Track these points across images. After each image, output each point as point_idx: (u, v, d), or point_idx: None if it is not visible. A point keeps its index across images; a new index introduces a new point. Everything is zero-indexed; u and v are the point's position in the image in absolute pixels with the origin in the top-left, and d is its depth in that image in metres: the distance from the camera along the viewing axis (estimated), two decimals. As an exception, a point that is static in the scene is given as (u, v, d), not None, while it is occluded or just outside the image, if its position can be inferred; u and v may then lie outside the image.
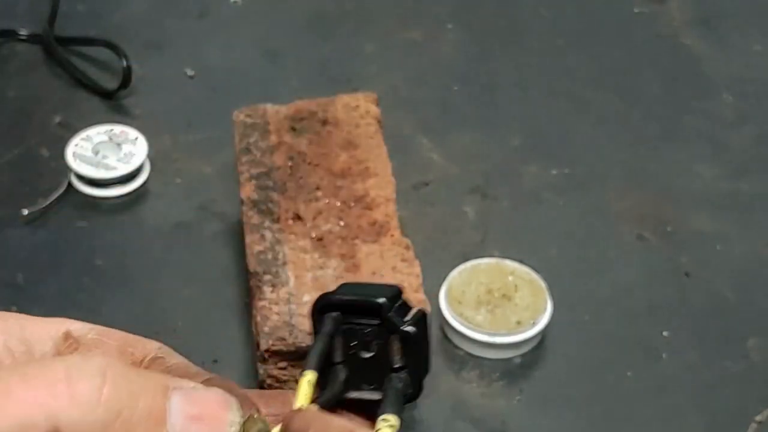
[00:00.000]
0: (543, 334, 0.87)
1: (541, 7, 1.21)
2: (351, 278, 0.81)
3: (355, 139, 0.91)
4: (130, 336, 0.37)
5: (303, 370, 0.35)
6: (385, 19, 1.19)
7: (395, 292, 0.37)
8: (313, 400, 0.34)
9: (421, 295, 0.79)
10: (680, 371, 0.86)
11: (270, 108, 0.93)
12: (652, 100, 1.10)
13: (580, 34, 1.18)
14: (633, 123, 1.08)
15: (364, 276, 0.80)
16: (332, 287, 0.79)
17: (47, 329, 0.36)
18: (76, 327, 0.37)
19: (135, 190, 0.99)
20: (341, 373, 0.36)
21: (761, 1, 1.24)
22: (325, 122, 0.92)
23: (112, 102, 1.07)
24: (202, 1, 1.21)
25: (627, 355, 0.87)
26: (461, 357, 0.86)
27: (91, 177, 0.97)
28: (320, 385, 0.35)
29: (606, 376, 0.86)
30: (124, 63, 1.06)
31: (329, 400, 0.35)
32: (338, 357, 0.36)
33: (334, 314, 0.37)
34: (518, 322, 0.85)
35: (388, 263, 0.81)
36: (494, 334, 0.84)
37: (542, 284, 0.87)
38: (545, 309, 0.86)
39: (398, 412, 0.34)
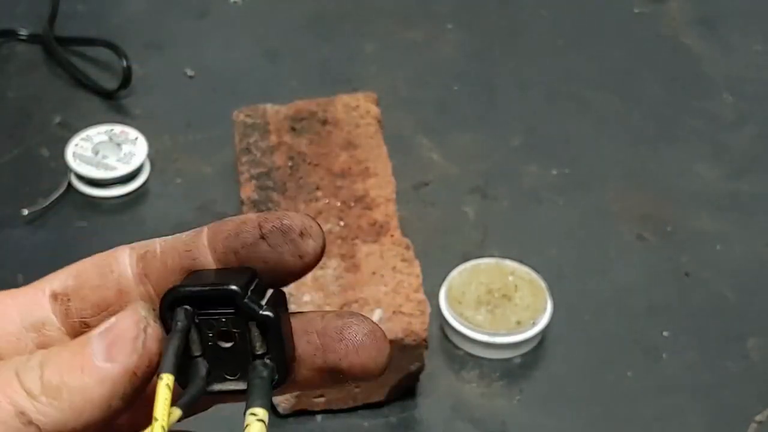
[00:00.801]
0: (543, 334, 0.87)
1: (541, 7, 1.21)
2: (351, 278, 0.81)
3: (355, 139, 0.91)
4: (100, 256, 0.37)
5: (158, 374, 0.32)
6: (385, 19, 1.19)
7: (249, 276, 0.34)
8: (174, 402, 0.32)
9: (421, 295, 0.79)
10: (680, 371, 0.86)
11: (270, 108, 0.93)
12: (652, 100, 1.10)
13: (580, 34, 1.18)
14: (633, 123, 1.08)
15: (364, 276, 0.80)
16: (332, 287, 0.79)
17: (34, 300, 0.37)
18: (55, 283, 0.37)
19: (135, 190, 0.99)
20: (201, 367, 0.34)
21: (761, 1, 1.24)
22: (325, 122, 0.92)
23: (112, 102, 1.08)
24: (202, 1, 1.21)
25: (627, 355, 0.87)
26: (461, 357, 0.86)
27: (91, 177, 0.97)
28: (181, 384, 0.33)
29: (606, 376, 0.86)
30: (124, 63, 1.06)
31: (193, 398, 0.33)
32: (196, 350, 0.34)
33: (186, 307, 0.34)
34: (518, 322, 0.85)
35: (388, 263, 0.81)
36: (494, 334, 0.84)
37: (542, 284, 0.87)
38: (545, 309, 0.86)
39: (265, 404, 0.32)
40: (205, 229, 0.35)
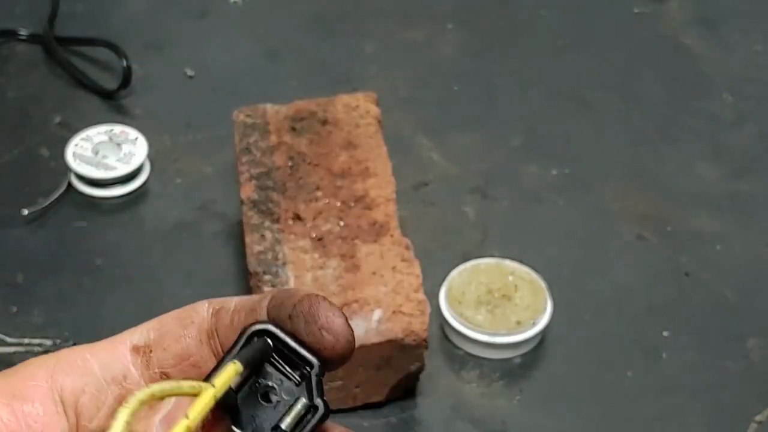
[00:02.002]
0: (543, 334, 0.87)
1: (541, 7, 1.21)
2: (351, 278, 0.80)
3: (355, 139, 0.91)
4: (181, 310, 0.38)
5: (233, 357, 0.34)
6: (385, 19, 1.19)
7: (322, 366, 0.35)
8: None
9: (421, 295, 0.79)
10: (680, 371, 0.86)
11: (270, 108, 0.93)
12: (652, 100, 1.10)
13: (580, 34, 1.18)
14: (633, 123, 1.08)
15: (364, 276, 0.80)
16: (332, 287, 0.79)
17: (114, 354, 0.38)
18: (135, 337, 0.38)
19: (135, 190, 0.99)
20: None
21: (761, 1, 1.24)
22: (325, 122, 0.92)
23: (112, 102, 1.08)
24: (202, 1, 1.21)
25: (627, 355, 0.87)
26: (461, 357, 0.86)
27: (91, 177, 0.97)
28: (216, 413, 0.34)
29: (606, 376, 0.86)
30: (124, 63, 1.06)
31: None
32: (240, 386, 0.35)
33: (269, 340, 0.35)
34: (518, 322, 0.85)
35: (388, 263, 0.81)
36: (494, 334, 0.84)
37: (542, 284, 0.87)
38: (545, 309, 0.86)
39: None
40: (273, 292, 0.37)
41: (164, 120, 1.06)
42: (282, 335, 0.35)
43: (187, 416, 0.31)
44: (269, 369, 0.35)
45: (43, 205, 0.96)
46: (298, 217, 0.85)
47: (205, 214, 0.97)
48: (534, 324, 0.85)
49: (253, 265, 0.81)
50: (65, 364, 0.37)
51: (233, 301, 0.38)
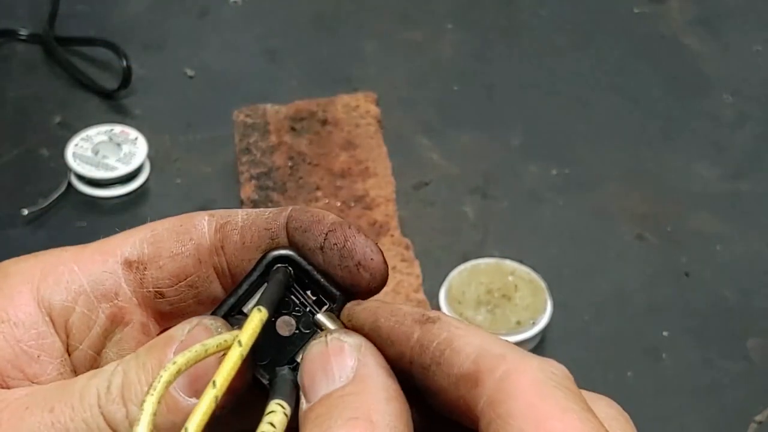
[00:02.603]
0: (543, 334, 0.87)
1: (541, 7, 1.21)
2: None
3: (355, 139, 0.91)
4: (177, 221, 0.35)
5: (257, 305, 0.31)
6: (385, 19, 1.19)
7: (346, 299, 0.33)
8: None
9: (421, 295, 0.79)
10: (680, 371, 0.86)
11: (270, 108, 0.93)
12: (652, 100, 1.10)
13: (580, 34, 1.18)
14: (633, 123, 1.08)
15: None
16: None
17: (105, 267, 0.35)
18: (128, 249, 0.35)
19: (135, 190, 0.99)
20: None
21: (761, 1, 1.24)
22: (325, 122, 0.92)
23: (112, 102, 1.08)
24: (202, 1, 1.21)
25: (627, 355, 0.87)
26: (461, 357, 0.86)
27: (91, 177, 0.97)
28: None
29: (606, 376, 0.86)
30: (124, 63, 1.06)
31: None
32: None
33: (289, 268, 0.33)
34: (518, 322, 0.85)
35: (388, 263, 0.81)
36: (494, 334, 0.84)
37: (542, 284, 0.87)
38: (545, 309, 0.86)
39: (290, 403, 0.31)
40: (289, 209, 0.34)
41: (164, 120, 1.06)
42: (307, 266, 0.33)
43: (214, 384, 0.29)
44: (287, 297, 0.33)
45: (43, 205, 0.96)
46: (298, 217, 0.85)
47: (205, 214, 0.97)
48: (534, 324, 0.85)
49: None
50: (51, 279, 0.35)
51: (239, 215, 0.35)
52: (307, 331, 0.33)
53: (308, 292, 0.33)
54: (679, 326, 0.89)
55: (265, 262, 0.33)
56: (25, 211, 0.95)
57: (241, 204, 0.87)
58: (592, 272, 0.93)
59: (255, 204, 0.86)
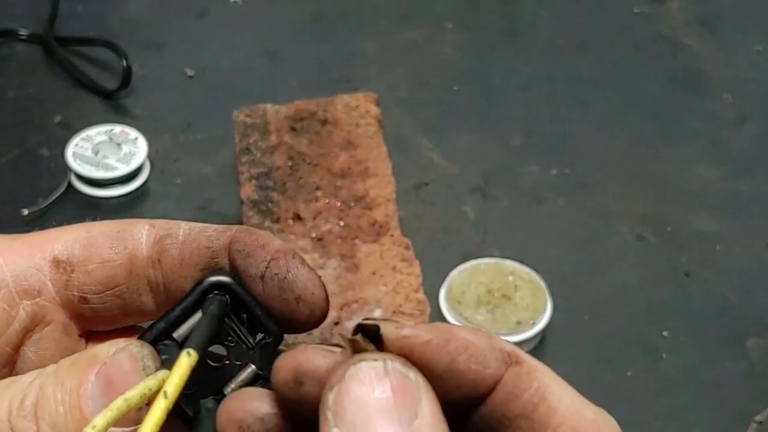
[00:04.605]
0: (543, 334, 0.87)
1: (541, 7, 1.21)
2: (351, 278, 0.80)
3: (355, 139, 0.91)
4: (115, 226, 0.33)
5: (186, 347, 0.29)
6: (385, 19, 1.19)
7: (282, 335, 0.31)
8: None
9: (421, 295, 0.79)
10: (680, 371, 0.86)
11: (270, 108, 0.93)
12: (652, 100, 1.10)
13: (580, 34, 1.18)
14: (633, 123, 1.08)
15: (364, 276, 0.80)
16: (332, 287, 0.79)
17: (31, 262, 0.33)
18: (59, 247, 0.33)
19: (135, 190, 0.99)
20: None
21: (761, 1, 1.24)
22: (325, 122, 0.92)
23: (112, 102, 1.08)
24: (202, 1, 1.21)
25: (627, 355, 0.87)
26: (461, 357, 0.86)
27: (91, 177, 0.97)
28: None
29: (606, 376, 0.86)
30: (124, 63, 1.06)
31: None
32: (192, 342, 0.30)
33: (226, 298, 0.31)
34: (518, 322, 0.85)
35: (388, 263, 0.81)
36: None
37: (542, 284, 0.87)
38: (545, 309, 0.86)
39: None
40: (234, 229, 0.33)
41: (164, 120, 1.06)
42: (245, 296, 0.31)
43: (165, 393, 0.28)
44: (222, 326, 0.31)
45: (43, 205, 0.96)
46: (298, 217, 0.85)
47: (205, 214, 0.97)
48: (534, 324, 0.85)
49: (253, 265, 0.81)
50: None
51: (181, 229, 0.33)
52: (238, 363, 0.31)
53: (241, 326, 0.32)
54: (679, 326, 0.89)
55: (201, 288, 0.31)
56: (25, 211, 0.95)
57: (241, 203, 0.87)
58: (592, 272, 0.93)
59: (255, 204, 0.86)
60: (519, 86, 1.12)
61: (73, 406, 0.29)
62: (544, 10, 1.21)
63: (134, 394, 0.28)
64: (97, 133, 1.00)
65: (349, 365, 0.27)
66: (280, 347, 0.32)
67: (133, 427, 0.29)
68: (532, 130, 1.07)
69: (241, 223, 0.86)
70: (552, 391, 0.30)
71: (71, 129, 1.02)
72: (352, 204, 0.86)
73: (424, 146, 1.04)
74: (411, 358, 0.28)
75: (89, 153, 0.98)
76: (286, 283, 0.31)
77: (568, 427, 0.28)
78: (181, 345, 0.30)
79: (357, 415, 0.26)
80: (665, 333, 0.88)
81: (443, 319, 0.86)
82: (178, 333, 0.31)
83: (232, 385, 0.31)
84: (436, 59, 1.15)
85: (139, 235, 0.33)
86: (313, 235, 0.84)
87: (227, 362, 0.32)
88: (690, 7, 1.22)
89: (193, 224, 0.33)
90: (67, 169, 0.98)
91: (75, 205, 0.98)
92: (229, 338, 0.31)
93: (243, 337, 0.31)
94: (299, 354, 0.28)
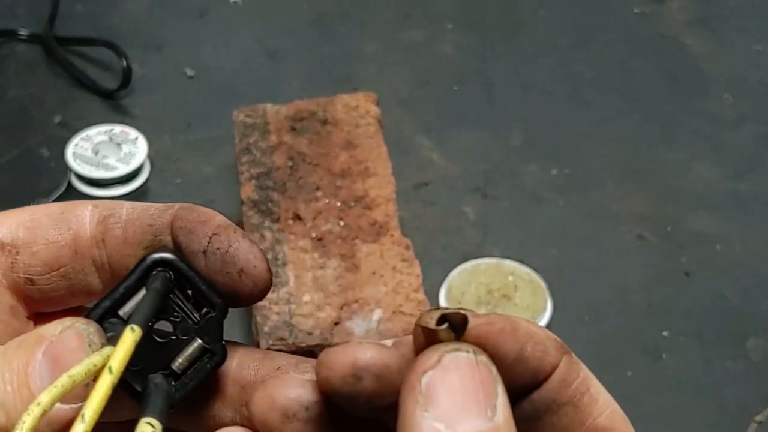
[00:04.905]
0: (543, 334, 0.87)
1: (541, 7, 1.21)
2: (351, 278, 0.80)
3: (355, 139, 0.91)
4: (59, 208, 0.34)
5: (130, 323, 0.29)
6: (385, 19, 1.19)
7: (227, 308, 0.32)
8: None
9: (421, 295, 0.79)
10: (680, 371, 0.86)
11: (270, 108, 0.93)
12: (652, 100, 1.10)
13: (580, 34, 1.18)
14: (633, 123, 1.08)
15: (364, 276, 0.80)
16: (332, 287, 0.79)
17: None
18: (2, 230, 0.33)
19: (135, 190, 0.99)
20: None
21: (761, 1, 1.24)
22: (325, 122, 0.92)
23: (112, 102, 1.08)
24: (202, 1, 1.21)
25: (627, 355, 0.87)
26: (461, 357, 0.86)
27: (91, 177, 0.97)
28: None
29: (606, 376, 0.85)
30: (124, 63, 1.06)
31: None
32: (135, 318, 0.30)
33: (170, 274, 0.31)
34: (518, 322, 0.85)
35: (388, 263, 0.81)
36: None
37: (542, 284, 0.87)
38: (545, 309, 0.86)
39: (162, 419, 0.29)
40: (176, 207, 0.33)
41: (164, 120, 1.06)
42: (188, 271, 0.32)
43: (83, 418, 0.27)
44: (166, 302, 0.32)
45: (43, 205, 0.96)
46: (298, 217, 0.85)
47: (205, 214, 0.97)
48: (534, 324, 0.85)
49: (253, 265, 0.81)
50: None
51: (124, 208, 0.33)
52: (184, 338, 0.32)
53: (186, 302, 0.32)
54: (679, 326, 0.89)
55: (144, 265, 0.32)
56: (25, 211, 0.95)
57: (241, 203, 0.87)
58: (592, 272, 0.93)
59: (255, 203, 0.86)
60: (519, 86, 1.12)
61: (21, 384, 0.30)
62: (544, 10, 1.21)
63: (79, 370, 0.29)
64: (97, 133, 1.00)
65: (444, 353, 0.27)
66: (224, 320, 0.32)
67: (80, 403, 0.29)
68: (532, 130, 1.07)
69: (241, 223, 0.86)
70: (594, 383, 0.31)
71: (71, 129, 1.02)
72: (352, 204, 0.86)
73: (424, 146, 1.04)
74: (485, 347, 0.28)
75: (89, 153, 0.98)
76: (228, 256, 0.32)
77: (606, 417, 0.30)
78: (127, 322, 0.30)
79: (450, 401, 0.27)
80: (665, 333, 0.88)
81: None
82: (124, 311, 0.32)
83: (180, 360, 0.32)
84: (436, 59, 1.15)
85: (83, 215, 0.33)
86: (313, 235, 0.84)
87: (174, 338, 0.32)
88: (690, 7, 1.22)
89: (136, 203, 0.34)
90: (67, 169, 0.98)
91: (75, 205, 0.97)
92: (175, 314, 0.32)
93: (188, 313, 0.32)
94: (355, 349, 0.28)
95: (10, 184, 1.00)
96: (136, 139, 1.00)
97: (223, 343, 0.32)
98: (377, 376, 0.28)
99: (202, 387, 0.32)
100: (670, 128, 1.07)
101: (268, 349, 0.77)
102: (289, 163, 0.89)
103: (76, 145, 0.99)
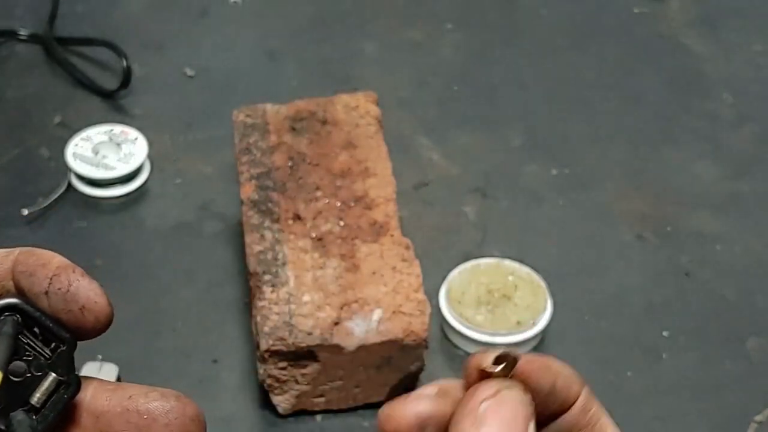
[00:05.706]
0: (543, 334, 0.87)
1: (541, 7, 1.21)
2: (351, 278, 0.80)
3: (355, 139, 0.90)
4: None
5: None
6: (385, 19, 1.19)
7: (75, 341, 0.34)
8: None
9: (421, 295, 0.79)
10: (680, 371, 0.86)
11: (270, 108, 0.93)
12: (652, 100, 1.10)
13: (580, 34, 1.18)
14: (633, 123, 1.08)
15: (364, 276, 0.80)
16: (332, 287, 0.79)
17: None
18: None
19: (135, 190, 0.99)
20: None
21: (761, 1, 1.24)
22: (325, 122, 0.92)
23: (112, 102, 1.08)
24: (202, 1, 1.21)
25: (627, 355, 0.87)
26: (461, 357, 0.86)
27: (91, 177, 0.97)
28: None
29: (606, 376, 0.86)
30: (124, 63, 1.06)
31: None
32: None
33: (17, 317, 0.33)
34: (518, 322, 0.85)
35: (388, 263, 0.81)
36: (494, 334, 0.84)
37: (542, 284, 0.87)
38: (545, 309, 0.86)
39: None
40: (17, 252, 0.34)
41: (164, 120, 1.06)
42: (34, 313, 0.34)
43: None
44: (18, 343, 0.34)
45: (43, 205, 0.96)
46: (298, 217, 0.85)
47: (205, 214, 0.97)
48: (534, 324, 0.85)
49: (253, 265, 0.81)
50: None
51: None
52: (39, 374, 0.34)
53: (37, 341, 0.34)
54: (679, 326, 0.89)
55: None
56: (25, 211, 0.95)
57: (241, 203, 0.87)
58: (592, 272, 0.93)
59: (255, 204, 0.86)
60: (519, 86, 1.12)
61: None
62: (544, 9, 1.21)
63: None
64: (96, 133, 1.00)
65: (502, 388, 0.34)
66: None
67: None
68: (532, 130, 1.07)
69: (240, 222, 0.86)
70: (604, 412, 0.36)
71: (71, 129, 1.02)
72: (352, 204, 0.86)
73: (424, 146, 1.04)
74: (527, 381, 0.34)
75: (89, 153, 0.98)
76: (69, 295, 0.34)
77: None
78: None
79: (498, 427, 0.33)
80: (665, 333, 0.88)
81: (443, 319, 0.86)
82: None
83: (38, 395, 0.34)
84: (436, 59, 1.15)
85: None
86: (313, 235, 0.84)
87: (29, 375, 0.34)
88: (690, 7, 1.22)
89: None
90: (67, 169, 0.98)
91: (75, 205, 0.98)
92: (27, 353, 0.34)
93: (39, 350, 0.34)
94: (415, 405, 0.35)
95: (10, 184, 1.00)
96: (136, 139, 1.00)
97: (77, 374, 0.34)
98: (438, 425, 0.35)
99: (61, 417, 0.34)
100: (670, 128, 1.07)
101: (266, 350, 0.77)
102: (289, 163, 0.89)
103: (76, 145, 0.99)
